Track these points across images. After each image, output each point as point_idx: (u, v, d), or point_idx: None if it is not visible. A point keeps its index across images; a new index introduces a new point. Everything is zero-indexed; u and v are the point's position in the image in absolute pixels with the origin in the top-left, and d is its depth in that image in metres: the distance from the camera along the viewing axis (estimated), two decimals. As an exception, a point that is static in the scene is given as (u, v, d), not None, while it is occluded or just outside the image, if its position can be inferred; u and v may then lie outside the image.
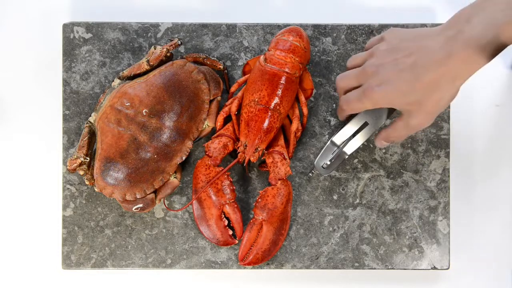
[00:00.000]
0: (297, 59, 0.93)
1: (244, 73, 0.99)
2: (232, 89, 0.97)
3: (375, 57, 0.85)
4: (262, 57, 0.94)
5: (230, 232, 0.96)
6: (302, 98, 0.96)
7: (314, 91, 0.99)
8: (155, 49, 0.95)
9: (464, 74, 0.81)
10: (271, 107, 0.93)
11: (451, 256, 1.00)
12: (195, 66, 0.96)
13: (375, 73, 0.84)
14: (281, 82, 0.92)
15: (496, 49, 0.78)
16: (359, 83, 0.87)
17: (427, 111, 0.84)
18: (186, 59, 0.97)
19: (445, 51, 0.80)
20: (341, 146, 0.95)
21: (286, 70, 0.93)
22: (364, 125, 0.94)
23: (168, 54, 0.96)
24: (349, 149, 0.95)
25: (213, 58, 0.98)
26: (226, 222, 0.96)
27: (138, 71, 0.96)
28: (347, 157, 0.95)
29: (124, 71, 0.96)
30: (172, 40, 0.97)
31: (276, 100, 0.93)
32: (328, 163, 0.96)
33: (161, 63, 0.96)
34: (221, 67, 0.98)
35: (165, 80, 0.94)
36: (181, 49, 1.00)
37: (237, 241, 0.97)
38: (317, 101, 1.00)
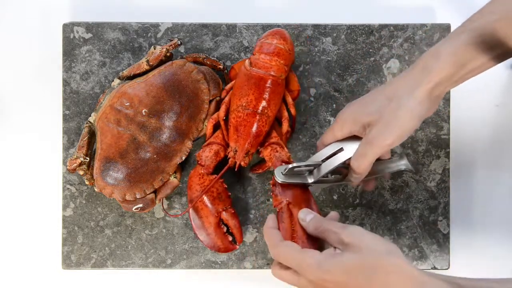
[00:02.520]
0: (282, 61, 0.93)
1: (230, 78, 0.98)
2: (222, 95, 0.97)
3: None
4: (247, 61, 0.94)
5: (230, 238, 0.96)
6: (289, 99, 0.96)
7: (313, 92, 0.99)
8: (154, 49, 0.95)
9: (422, 82, 0.80)
10: (259, 111, 0.92)
11: (451, 256, 1.00)
12: (194, 66, 0.96)
13: None
14: (268, 85, 0.92)
15: (455, 61, 0.79)
16: None
17: (385, 121, 0.81)
18: (186, 59, 0.97)
19: (408, 70, 0.83)
20: (307, 173, 0.90)
21: (272, 73, 0.93)
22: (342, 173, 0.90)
23: (168, 54, 0.95)
24: (312, 179, 0.90)
25: (213, 58, 0.98)
26: (225, 229, 0.96)
27: (138, 71, 0.96)
28: (307, 183, 0.90)
29: (124, 71, 0.96)
30: (172, 40, 0.97)
31: (264, 103, 0.92)
32: (287, 178, 0.89)
33: (161, 63, 0.96)
34: (221, 67, 0.98)
35: (165, 80, 0.94)
36: (181, 49, 1.00)
37: (237, 247, 0.96)
38: (317, 101, 1.00)
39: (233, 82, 0.96)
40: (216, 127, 0.97)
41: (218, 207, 0.94)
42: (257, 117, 0.92)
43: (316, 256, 0.77)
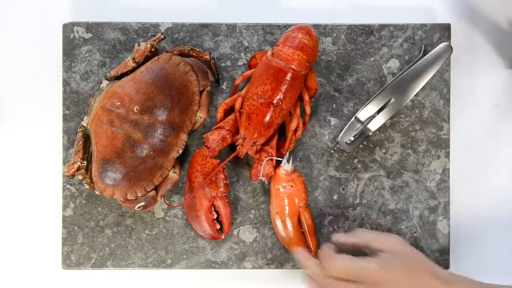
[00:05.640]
0: (304, 57, 0.93)
1: (249, 67, 0.99)
2: (237, 82, 0.97)
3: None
4: (269, 52, 0.94)
5: (218, 227, 0.96)
6: (306, 97, 0.96)
7: (319, 91, 0.99)
8: (139, 46, 0.95)
9: None
10: (274, 102, 0.92)
11: (451, 256, 1.00)
12: (181, 59, 0.96)
13: None
14: (286, 78, 0.93)
15: None
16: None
17: None
18: (171, 53, 0.97)
19: None
20: (366, 122, 0.95)
21: (293, 66, 0.93)
22: (389, 101, 0.95)
23: (153, 50, 0.95)
24: (373, 126, 0.96)
25: (198, 49, 0.98)
26: (215, 216, 0.96)
27: (125, 70, 0.95)
28: (371, 134, 0.96)
29: (111, 71, 0.96)
30: (155, 35, 0.97)
31: (280, 95, 0.93)
32: (352, 139, 0.96)
33: (147, 59, 0.95)
34: (207, 57, 0.98)
35: (153, 76, 0.93)
36: (181, 49, 1.00)
37: (223, 237, 0.97)
38: (317, 101, 1.00)
39: (252, 70, 0.96)
40: (226, 112, 0.97)
41: (213, 192, 0.95)
42: (271, 108, 0.93)
43: (372, 259, 0.87)
